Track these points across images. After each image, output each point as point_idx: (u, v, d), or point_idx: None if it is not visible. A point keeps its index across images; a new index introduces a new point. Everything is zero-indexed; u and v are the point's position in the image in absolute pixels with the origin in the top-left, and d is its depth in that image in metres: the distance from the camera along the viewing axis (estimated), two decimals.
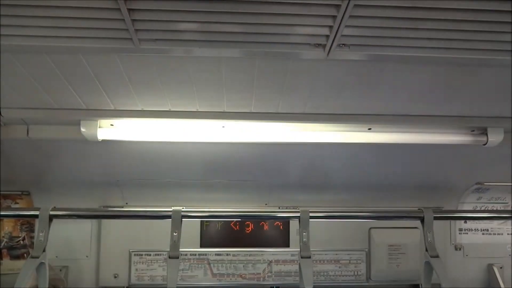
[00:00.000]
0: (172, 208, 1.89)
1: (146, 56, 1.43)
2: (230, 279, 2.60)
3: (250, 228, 2.65)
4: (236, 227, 2.64)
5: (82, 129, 1.91)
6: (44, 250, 1.76)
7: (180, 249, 1.83)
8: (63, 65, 1.49)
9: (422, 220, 1.95)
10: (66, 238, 2.50)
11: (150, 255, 2.57)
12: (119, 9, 1.17)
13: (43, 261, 1.75)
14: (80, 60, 1.45)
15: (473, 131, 2.03)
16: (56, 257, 2.43)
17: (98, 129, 1.92)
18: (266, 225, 2.65)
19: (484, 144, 2.04)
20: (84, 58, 1.45)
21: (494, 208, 2.72)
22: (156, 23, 1.24)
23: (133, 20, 1.22)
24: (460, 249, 2.75)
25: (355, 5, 1.16)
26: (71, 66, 1.49)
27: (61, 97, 1.73)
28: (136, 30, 1.26)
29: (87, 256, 2.57)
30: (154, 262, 2.57)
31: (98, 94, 1.69)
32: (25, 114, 1.89)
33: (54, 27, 1.24)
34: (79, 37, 1.28)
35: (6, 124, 1.98)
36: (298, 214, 1.92)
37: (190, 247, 2.57)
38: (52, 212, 1.84)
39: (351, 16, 1.19)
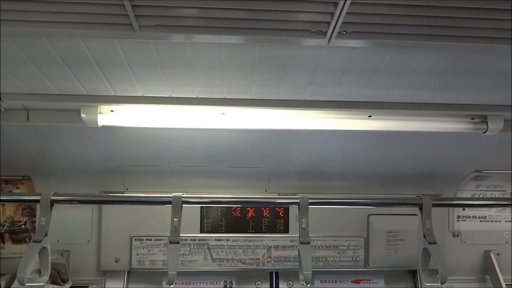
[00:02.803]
0: (173, 194, 1.91)
1: (146, 42, 1.43)
2: (230, 264, 2.63)
3: (250, 214, 2.66)
4: (236, 213, 2.66)
5: (83, 115, 1.91)
6: (46, 235, 1.78)
7: (181, 235, 1.85)
8: (63, 50, 1.48)
9: (420, 207, 1.97)
10: (67, 223, 2.52)
11: (150, 240, 2.60)
12: None
13: (45, 245, 1.77)
14: (80, 45, 1.44)
15: (473, 119, 2.03)
16: (58, 241, 2.44)
17: (99, 115, 1.92)
18: (265, 211, 2.67)
19: (484, 132, 2.04)
20: (84, 44, 1.44)
21: (493, 196, 2.73)
22: (156, 9, 1.23)
23: (133, 6, 1.21)
24: (457, 236, 2.77)
25: None
26: (71, 52, 1.49)
27: (61, 83, 1.73)
28: (136, 16, 1.25)
29: (88, 241, 2.59)
30: (154, 247, 2.60)
31: (99, 80, 1.69)
32: (25, 100, 1.89)
33: (55, 12, 1.23)
34: (79, 22, 1.28)
35: (6, 109, 1.98)
36: (297, 201, 1.94)
37: (190, 232, 2.59)
38: (53, 197, 1.86)
39: (352, 3, 1.19)
